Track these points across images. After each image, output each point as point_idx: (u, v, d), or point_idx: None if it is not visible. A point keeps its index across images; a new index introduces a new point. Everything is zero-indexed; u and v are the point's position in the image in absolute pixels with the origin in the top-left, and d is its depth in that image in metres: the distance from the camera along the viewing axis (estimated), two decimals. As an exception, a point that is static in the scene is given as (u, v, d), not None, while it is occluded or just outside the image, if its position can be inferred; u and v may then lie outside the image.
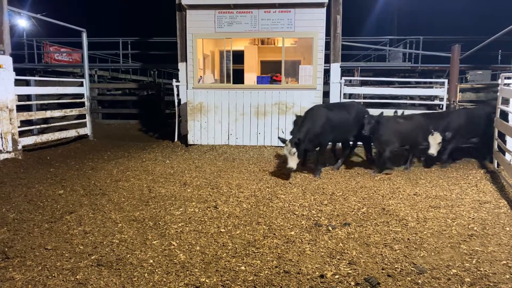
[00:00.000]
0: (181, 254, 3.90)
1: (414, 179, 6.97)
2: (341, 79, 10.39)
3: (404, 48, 16.92)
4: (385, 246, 4.11)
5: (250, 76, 11.45)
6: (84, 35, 11.22)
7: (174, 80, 11.06)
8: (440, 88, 10.39)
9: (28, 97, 11.92)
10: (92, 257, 3.81)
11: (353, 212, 5.19)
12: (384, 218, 4.95)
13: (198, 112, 10.15)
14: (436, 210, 5.27)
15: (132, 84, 18.73)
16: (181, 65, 10.95)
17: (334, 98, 10.36)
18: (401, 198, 5.83)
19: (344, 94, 10.44)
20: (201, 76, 11.26)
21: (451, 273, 3.51)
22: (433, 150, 7.38)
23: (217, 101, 10.11)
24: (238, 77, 11.01)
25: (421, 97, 12.09)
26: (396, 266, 3.63)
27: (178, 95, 10.97)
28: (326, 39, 10.29)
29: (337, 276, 3.45)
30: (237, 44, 11.46)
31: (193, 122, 10.18)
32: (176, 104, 10.98)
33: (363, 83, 13.83)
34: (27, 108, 10.11)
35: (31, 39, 17.52)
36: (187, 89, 10.60)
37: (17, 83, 8.66)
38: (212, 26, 10.37)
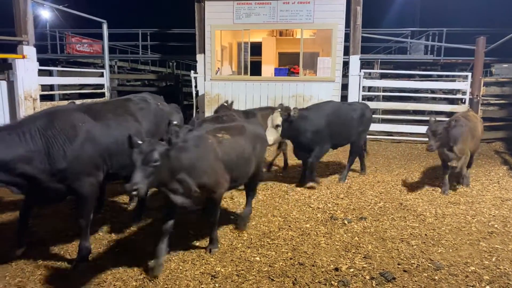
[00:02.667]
0: (197, 243, 3.96)
1: (433, 175, 6.84)
2: (360, 71, 10.22)
3: (426, 40, 16.47)
4: (402, 241, 4.06)
5: (268, 68, 11.39)
6: (105, 26, 11.36)
7: (192, 71, 11.11)
8: (463, 81, 10.10)
9: (51, 87, 12.21)
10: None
11: (370, 206, 5.14)
12: (401, 213, 4.89)
13: (215, 103, 10.17)
14: (455, 206, 5.17)
15: (151, 75, 18.91)
16: (199, 57, 10.98)
17: (353, 91, 10.22)
18: (419, 193, 5.74)
19: (363, 87, 10.28)
20: (218, 68, 11.28)
21: (469, 270, 3.45)
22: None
23: (234, 93, 10.12)
24: (255, 69, 10.98)
25: (443, 91, 11.79)
26: (413, 262, 3.59)
27: (196, 86, 11.02)
28: (345, 30, 10.13)
29: (352, 270, 3.45)
30: (255, 36, 11.40)
31: (211, 113, 10.22)
32: (194, 95, 11.05)
33: (383, 76, 13.57)
34: (50, 98, 10.34)
35: (54, 30, 17.85)
36: (204, 80, 10.64)
37: (41, 73, 8.88)
38: (230, 18, 10.34)
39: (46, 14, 20.66)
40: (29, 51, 8.37)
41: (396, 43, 18.81)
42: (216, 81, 10.37)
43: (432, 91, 12.38)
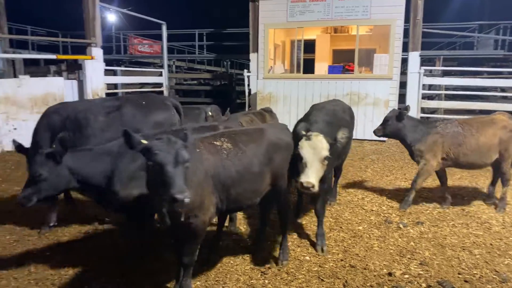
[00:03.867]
0: (249, 240, 4.02)
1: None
2: (420, 68, 9.70)
3: (496, 34, 15.19)
4: (463, 249, 3.80)
5: (321, 65, 11.22)
6: (164, 28, 11.92)
7: (245, 70, 11.28)
8: (539, 78, 9.18)
9: (115, 85, 13.06)
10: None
11: (428, 211, 4.87)
12: (463, 220, 4.58)
13: (267, 102, 10.25)
14: (526, 215, 4.73)
15: (206, 75, 19.50)
16: (252, 56, 11.11)
17: (412, 89, 9.73)
18: (484, 199, 5.32)
19: (423, 85, 9.75)
20: (271, 66, 11.32)
21: (542, 285, 3.14)
22: None
23: (286, 91, 10.10)
24: (308, 67, 10.87)
25: (514, 89, 10.81)
26: (475, 272, 3.35)
27: (248, 85, 11.17)
28: (404, 26, 9.66)
29: (406, 276, 3.30)
30: (309, 33, 11.27)
31: (263, 111, 10.31)
32: (246, 94, 11.21)
33: (445, 74, 12.76)
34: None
35: (118, 32, 19.09)
36: (257, 79, 10.74)
37: (106, 73, 9.56)
38: (284, 16, 10.33)
39: (112, 17, 22.12)
40: (97, 52, 9.04)
41: (461, 38, 17.56)
42: (268, 80, 10.42)
43: (502, 89, 11.40)
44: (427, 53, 12.87)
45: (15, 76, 12.31)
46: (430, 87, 11.14)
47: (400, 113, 4.83)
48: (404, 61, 11.11)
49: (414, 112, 9.75)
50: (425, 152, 4.87)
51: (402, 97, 10.00)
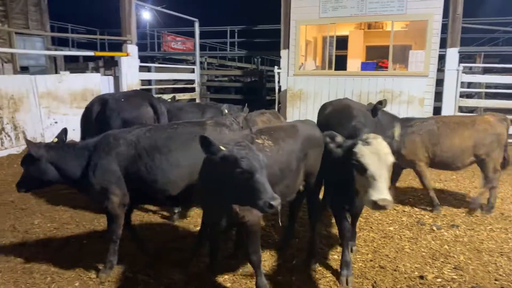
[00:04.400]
0: (277, 237, 4.03)
1: (545, 183, 5.96)
2: (459, 65, 9.30)
3: (544, 29, 14.30)
4: (501, 255, 3.63)
5: (354, 62, 10.98)
6: (197, 25, 12.09)
7: (275, 67, 11.25)
8: None
9: (149, 81, 13.41)
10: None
11: (464, 214, 4.68)
12: (501, 224, 4.37)
13: (297, 99, 10.18)
14: None
15: (237, 71, 19.62)
16: (283, 52, 11.04)
17: (449, 86, 9.35)
18: (525, 203, 5.05)
19: (462, 82, 9.34)
20: (302, 63, 11.22)
21: None
22: None
23: (317, 88, 9.98)
24: (340, 64, 10.67)
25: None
26: (514, 279, 3.20)
27: (279, 82, 11.14)
28: (442, 21, 9.28)
29: (439, 280, 3.19)
30: (341, 29, 11.06)
31: (292, 109, 10.26)
32: (276, 91, 11.18)
33: (486, 71, 12.16)
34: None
35: (152, 29, 19.57)
36: (287, 76, 10.68)
37: (141, 69, 9.83)
38: (316, 12, 10.19)
39: (146, 15, 22.69)
40: (132, 49, 9.31)
41: (504, 33, 16.65)
42: (299, 77, 10.34)
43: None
44: (466, 49, 12.30)
45: (56, 72, 12.94)
46: (470, 85, 10.64)
47: (375, 108, 4.48)
48: (442, 58, 10.69)
49: (451, 111, 9.38)
50: (407, 156, 4.71)
51: (438, 95, 9.63)
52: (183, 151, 3.19)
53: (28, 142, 3.23)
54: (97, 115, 4.81)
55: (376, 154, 2.60)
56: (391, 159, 2.63)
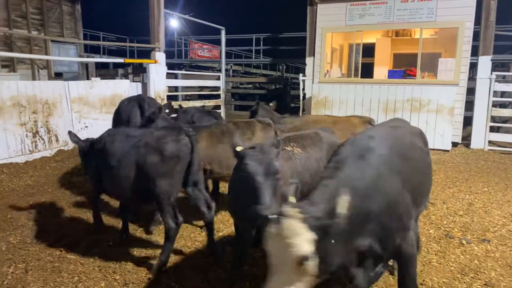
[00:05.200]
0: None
1: None
2: (491, 74, 8.99)
3: None
4: (537, 273, 3.45)
5: (381, 70, 10.83)
6: (223, 33, 12.27)
7: (300, 74, 11.24)
8: None
9: (176, 88, 13.70)
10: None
11: (496, 228, 4.48)
12: (537, 240, 4.15)
13: (322, 106, 10.12)
14: None
15: (262, 78, 19.74)
16: (308, 60, 11.03)
17: (481, 96, 9.04)
18: None
19: (495, 91, 9.01)
20: (327, 71, 11.16)
21: None
22: None
23: (343, 96, 9.89)
24: (366, 71, 10.55)
25: None
26: (550, 299, 3.02)
27: (303, 89, 11.11)
28: (474, 28, 9.01)
29: (469, 296, 3.07)
30: (368, 37, 10.95)
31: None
32: (301, 98, 11.15)
33: (520, 79, 11.67)
34: (174, 98, 11.63)
35: (180, 37, 20.04)
36: (312, 83, 10.65)
37: (168, 76, 10.07)
38: (342, 20, 10.14)
39: (174, 23, 23.25)
40: (160, 56, 9.55)
41: (541, 40, 15.96)
42: (324, 84, 10.28)
43: None
44: (499, 57, 11.88)
45: (88, 78, 13.44)
46: (503, 94, 10.25)
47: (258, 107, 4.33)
48: (473, 66, 10.36)
49: (483, 120, 9.06)
50: None
51: (469, 104, 9.32)
52: None
53: None
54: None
55: None
56: None
